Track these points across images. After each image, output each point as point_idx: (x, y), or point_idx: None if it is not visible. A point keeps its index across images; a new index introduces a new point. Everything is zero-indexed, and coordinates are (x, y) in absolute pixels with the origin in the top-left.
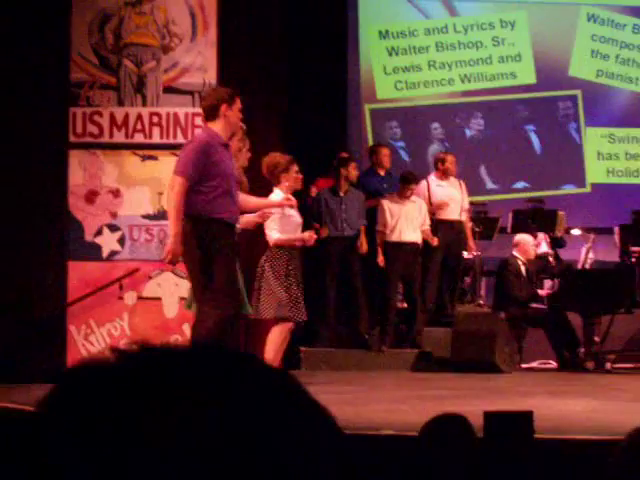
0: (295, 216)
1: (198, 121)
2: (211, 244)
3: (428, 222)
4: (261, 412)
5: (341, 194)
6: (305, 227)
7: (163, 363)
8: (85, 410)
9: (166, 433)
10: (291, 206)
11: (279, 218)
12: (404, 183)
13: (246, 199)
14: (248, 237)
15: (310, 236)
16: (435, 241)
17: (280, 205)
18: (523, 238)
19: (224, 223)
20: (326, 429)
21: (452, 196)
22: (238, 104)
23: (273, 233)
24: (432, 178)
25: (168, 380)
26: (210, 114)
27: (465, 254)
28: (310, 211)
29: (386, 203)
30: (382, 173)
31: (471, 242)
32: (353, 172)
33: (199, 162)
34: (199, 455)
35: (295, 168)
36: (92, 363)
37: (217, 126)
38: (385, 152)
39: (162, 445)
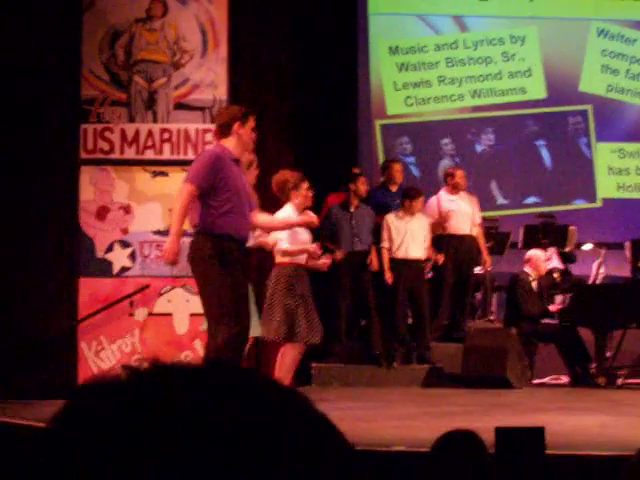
0: (303, 233)
1: (208, 137)
2: (220, 261)
3: (429, 239)
4: (269, 430)
5: (351, 210)
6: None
7: (174, 381)
8: (96, 427)
9: (177, 450)
10: (313, 222)
11: (288, 234)
12: (409, 199)
13: (270, 219)
14: (261, 257)
15: (315, 250)
16: (440, 259)
17: (303, 223)
18: (535, 254)
19: (234, 240)
20: (335, 445)
21: (462, 210)
22: (251, 123)
23: (282, 244)
24: (443, 193)
25: (178, 398)
26: (223, 131)
27: (478, 269)
28: (322, 227)
29: (391, 219)
30: (394, 189)
31: (486, 256)
32: (362, 187)
33: (210, 172)
34: (209, 471)
35: (305, 185)
36: (103, 380)
37: (229, 143)
38: (397, 168)
39: (173, 462)
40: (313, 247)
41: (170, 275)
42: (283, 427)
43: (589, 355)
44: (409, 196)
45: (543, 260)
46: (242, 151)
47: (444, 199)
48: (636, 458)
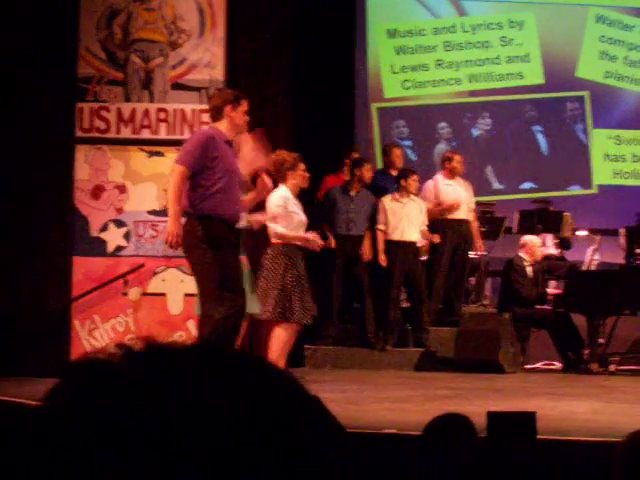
0: (300, 214)
1: (205, 117)
2: (212, 241)
3: (426, 222)
4: (261, 412)
5: (352, 194)
6: (311, 226)
7: (167, 361)
8: (88, 405)
9: (167, 429)
10: (315, 245)
11: (281, 210)
12: (403, 178)
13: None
14: (255, 236)
15: (314, 238)
16: (436, 238)
17: (305, 242)
18: (530, 239)
19: (223, 220)
20: (327, 427)
21: (460, 195)
22: (244, 106)
23: (277, 227)
24: (439, 177)
25: (170, 378)
26: (215, 115)
27: (471, 254)
28: (319, 208)
29: (387, 202)
30: (394, 173)
31: (479, 241)
32: (367, 174)
33: (201, 153)
34: (199, 450)
35: (302, 166)
36: (96, 358)
37: (222, 126)
38: (397, 152)
39: (162, 440)
40: (312, 236)
41: (164, 255)
42: (275, 409)
43: (582, 341)
44: (402, 176)
45: (538, 246)
46: (235, 133)
47: (441, 183)
48: (626, 444)
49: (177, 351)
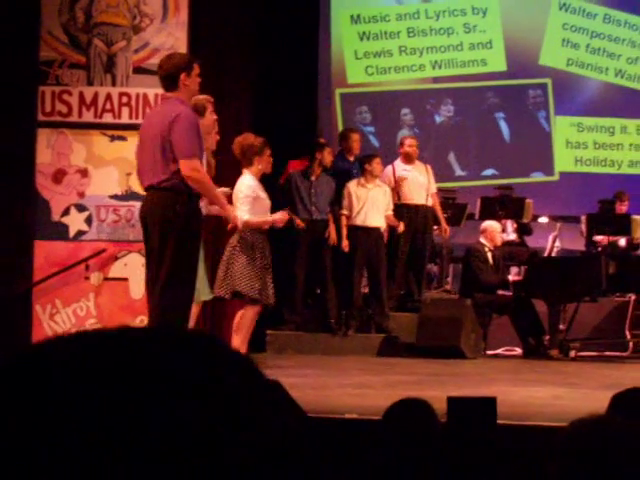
0: (265, 199)
1: None
2: (188, 221)
3: (392, 207)
4: (219, 395)
5: (312, 178)
6: (275, 209)
7: (122, 344)
8: (34, 391)
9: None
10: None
11: (250, 200)
12: (367, 162)
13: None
14: (214, 221)
15: (282, 216)
16: (401, 226)
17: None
18: (490, 225)
19: (198, 197)
20: (287, 412)
21: (417, 180)
22: (196, 70)
23: (243, 214)
24: (398, 163)
25: (127, 362)
26: (169, 84)
27: (437, 238)
28: (281, 193)
29: (352, 187)
30: (351, 159)
31: (444, 224)
32: (328, 157)
33: (200, 139)
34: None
35: (268, 152)
36: (40, 346)
37: (182, 96)
38: (355, 137)
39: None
40: (278, 217)
41: (126, 240)
42: (233, 393)
43: (542, 327)
44: (366, 160)
45: (499, 231)
46: (191, 99)
47: (399, 168)
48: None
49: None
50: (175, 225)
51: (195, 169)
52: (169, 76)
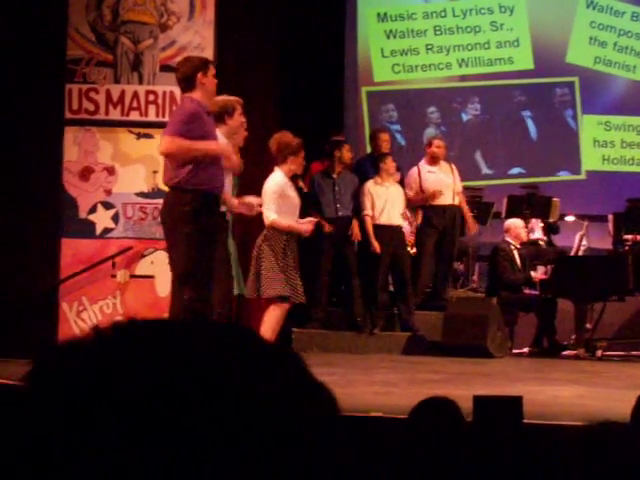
0: (294, 197)
1: None
2: (194, 219)
3: (404, 206)
4: (261, 386)
5: (334, 176)
6: (302, 211)
7: (138, 339)
8: (64, 385)
9: (151, 406)
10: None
11: (277, 198)
12: (380, 161)
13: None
14: (245, 219)
15: (309, 226)
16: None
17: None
18: (512, 222)
19: (209, 194)
20: (327, 405)
21: (443, 181)
22: (212, 70)
23: (270, 214)
24: (422, 164)
25: (158, 352)
26: (187, 85)
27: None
28: (308, 196)
29: (371, 186)
30: None
31: (471, 222)
32: (347, 154)
33: (187, 128)
34: (178, 423)
35: (302, 153)
36: (69, 342)
37: (197, 96)
38: (384, 137)
39: (145, 418)
40: (304, 227)
41: (152, 237)
42: (276, 383)
43: (555, 328)
44: (379, 159)
45: (522, 227)
46: (209, 100)
47: (424, 170)
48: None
49: (151, 327)
50: (182, 223)
51: (166, 143)
52: (186, 77)
